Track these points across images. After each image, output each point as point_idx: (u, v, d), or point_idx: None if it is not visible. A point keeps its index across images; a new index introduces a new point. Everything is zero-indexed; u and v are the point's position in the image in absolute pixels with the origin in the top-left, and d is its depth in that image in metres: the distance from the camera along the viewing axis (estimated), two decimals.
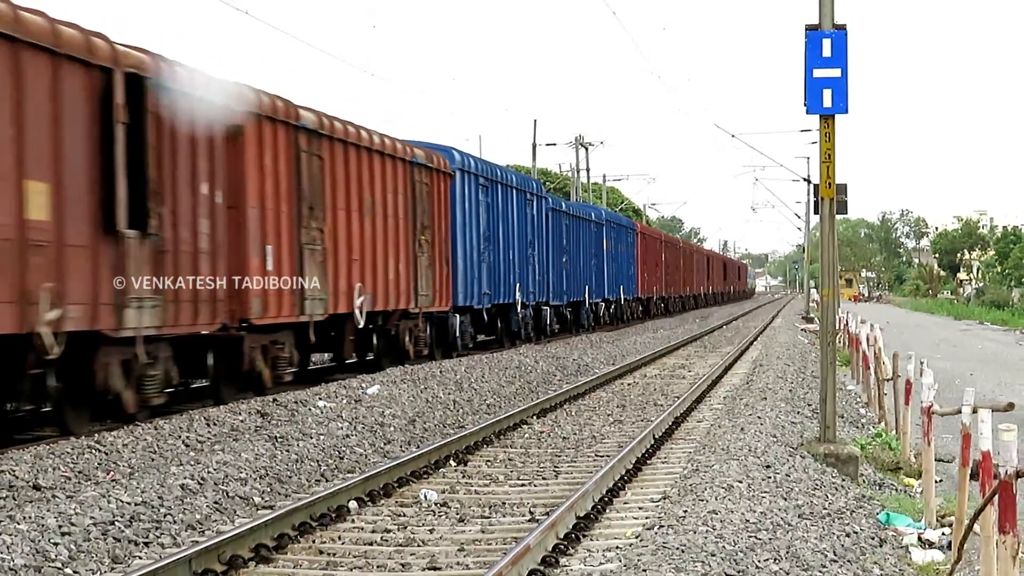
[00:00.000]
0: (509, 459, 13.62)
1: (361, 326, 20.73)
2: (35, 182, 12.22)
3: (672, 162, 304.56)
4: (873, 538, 9.73)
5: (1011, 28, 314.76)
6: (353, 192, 20.48)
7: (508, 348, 30.11)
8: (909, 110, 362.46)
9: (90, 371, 13.29)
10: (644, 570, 7.76)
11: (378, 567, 8.61)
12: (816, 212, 15.17)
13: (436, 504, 10.92)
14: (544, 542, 8.78)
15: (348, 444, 13.60)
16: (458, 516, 10.37)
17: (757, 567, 7.92)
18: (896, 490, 13.46)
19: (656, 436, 14.82)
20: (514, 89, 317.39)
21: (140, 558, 8.76)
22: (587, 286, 42.87)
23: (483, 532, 9.72)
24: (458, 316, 26.98)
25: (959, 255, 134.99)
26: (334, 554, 9.01)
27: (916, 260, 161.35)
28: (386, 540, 9.42)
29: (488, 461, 13.47)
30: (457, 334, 26.86)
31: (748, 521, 9.23)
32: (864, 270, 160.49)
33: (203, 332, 15.64)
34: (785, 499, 10.35)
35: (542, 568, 8.35)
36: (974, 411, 8.97)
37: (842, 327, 31.22)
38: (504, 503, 10.94)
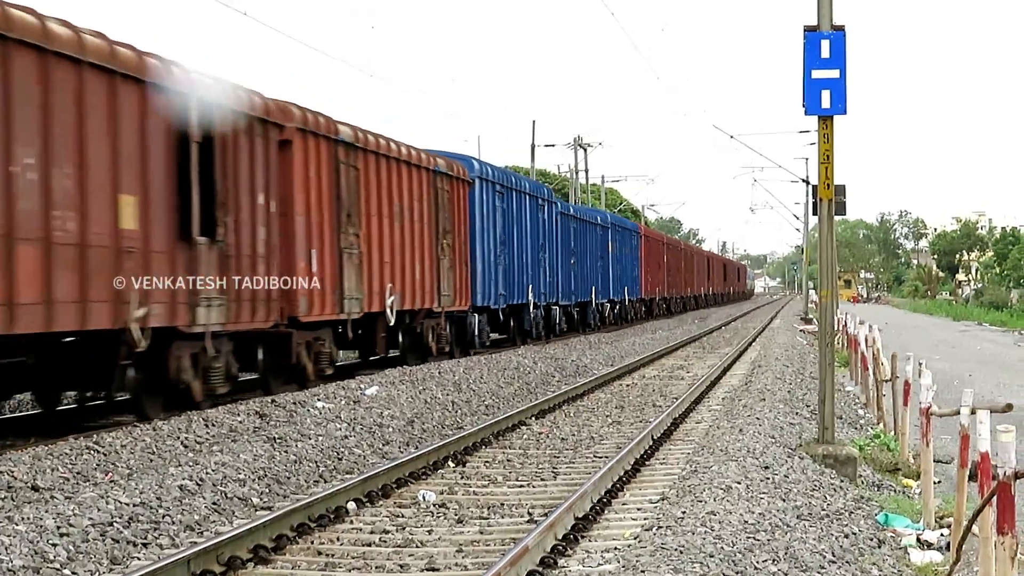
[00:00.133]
0: (508, 460, 13.62)
1: (392, 324, 22.15)
2: (126, 195, 13.76)
3: (671, 163, 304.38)
4: (872, 539, 9.73)
5: (1010, 29, 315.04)
6: (384, 200, 21.92)
7: (520, 346, 31.39)
8: (908, 111, 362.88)
9: (165, 363, 14.72)
10: (642, 571, 7.76)
11: (376, 568, 8.61)
12: (815, 213, 15.15)
13: (434, 505, 10.92)
14: (542, 543, 8.78)
15: (347, 445, 13.60)
16: (456, 517, 10.37)
17: (755, 568, 7.92)
18: (895, 491, 13.46)
19: (655, 437, 14.82)
20: (513, 90, 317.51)
21: (138, 559, 8.76)
22: (593, 287, 43.60)
23: (481, 533, 9.73)
24: (476, 315, 28.20)
25: (958, 256, 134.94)
26: (332, 555, 9.01)
27: (915, 261, 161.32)
28: (384, 541, 9.42)
29: (487, 462, 13.47)
30: (476, 332, 28.14)
31: (746, 522, 9.23)
32: (863, 271, 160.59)
33: (259, 328, 17.10)
34: (784, 500, 10.35)
35: (540, 569, 8.35)
36: (972, 412, 8.97)
37: (841, 328, 31.22)
38: (502, 504, 10.94)
